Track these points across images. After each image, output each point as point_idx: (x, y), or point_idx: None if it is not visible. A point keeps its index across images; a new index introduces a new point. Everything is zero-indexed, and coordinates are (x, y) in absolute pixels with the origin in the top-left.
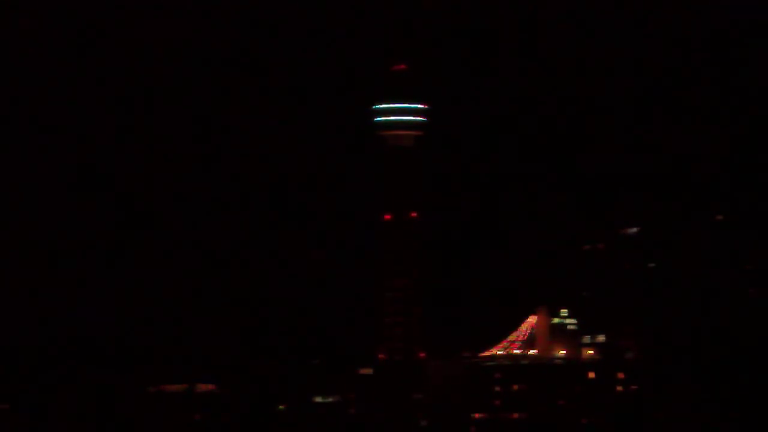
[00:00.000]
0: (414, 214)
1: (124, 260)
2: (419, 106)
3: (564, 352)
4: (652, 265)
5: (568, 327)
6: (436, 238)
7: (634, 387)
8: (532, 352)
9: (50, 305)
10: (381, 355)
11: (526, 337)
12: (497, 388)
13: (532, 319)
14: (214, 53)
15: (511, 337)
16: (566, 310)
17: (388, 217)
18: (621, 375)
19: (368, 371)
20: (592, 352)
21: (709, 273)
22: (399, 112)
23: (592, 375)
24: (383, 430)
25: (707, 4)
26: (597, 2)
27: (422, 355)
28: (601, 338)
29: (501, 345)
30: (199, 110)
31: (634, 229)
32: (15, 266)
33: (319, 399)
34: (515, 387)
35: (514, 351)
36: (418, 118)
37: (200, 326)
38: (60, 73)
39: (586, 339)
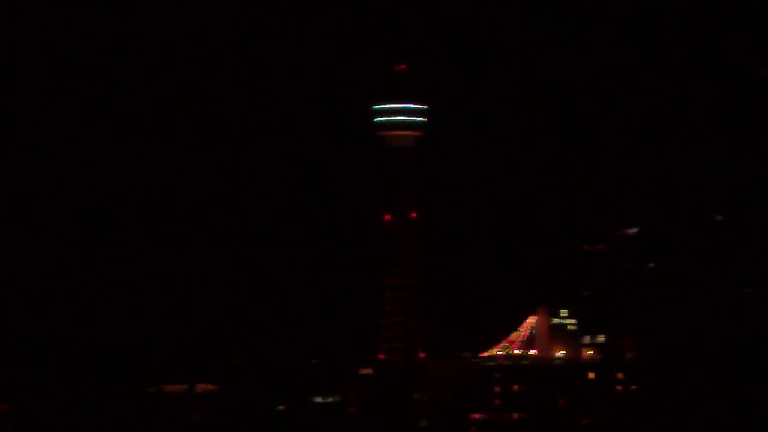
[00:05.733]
0: (414, 214)
1: (124, 260)
2: (419, 106)
3: (564, 352)
4: (652, 265)
5: (568, 327)
6: (436, 238)
7: (634, 387)
8: (532, 352)
9: (50, 305)
10: (381, 355)
11: (526, 337)
12: (497, 388)
13: (532, 319)
14: (214, 52)
15: (511, 337)
16: (566, 310)
17: (388, 217)
18: (621, 375)
19: (368, 371)
20: (592, 352)
21: (709, 273)
22: (399, 112)
23: (592, 375)
24: (383, 430)
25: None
26: (598, 3)
27: (422, 355)
28: (601, 338)
29: (501, 345)
30: (200, 111)
31: (634, 229)
32: (15, 266)
33: (319, 399)
34: (515, 387)
35: (514, 351)
36: (418, 118)
37: (201, 326)
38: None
39: (586, 339)
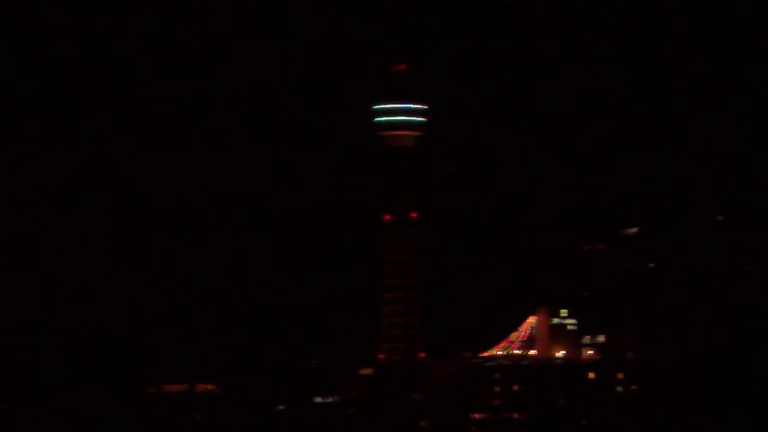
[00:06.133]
0: (414, 214)
1: (125, 260)
2: (419, 106)
3: (564, 352)
4: (652, 265)
5: (568, 327)
6: (436, 238)
7: (634, 387)
8: (532, 352)
9: (51, 305)
10: (381, 355)
11: (526, 337)
12: (497, 388)
13: (532, 319)
14: (214, 52)
15: (511, 337)
16: (566, 310)
17: (388, 217)
18: (621, 375)
19: (368, 371)
20: (592, 352)
21: (709, 273)
22: (399, 112)
23: (592, 375)
24: (383, 430)
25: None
26: (596, 4)
27: (422, 355)
28: (601, 338)
29: (501, 345)
30: (201, 111)
31: (634, 229)
32: (16, 266)
33: (319, 399)
34: (515, 387)
35: (514, 351)
36: (418, 118)
37: (201, 326)
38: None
39: (586, 339)
